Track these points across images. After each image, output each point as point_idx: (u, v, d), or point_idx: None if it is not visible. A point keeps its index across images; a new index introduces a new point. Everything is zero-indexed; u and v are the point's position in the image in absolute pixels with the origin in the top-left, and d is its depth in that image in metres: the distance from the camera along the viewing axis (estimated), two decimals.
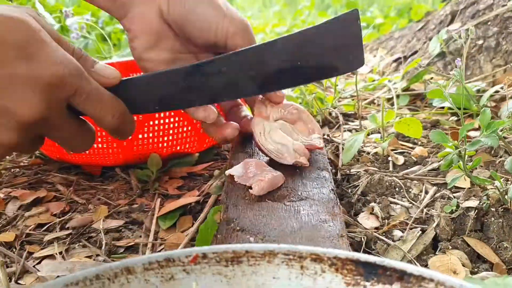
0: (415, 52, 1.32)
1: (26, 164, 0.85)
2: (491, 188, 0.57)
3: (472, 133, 0.79)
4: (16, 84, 0.41)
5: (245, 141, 0.71)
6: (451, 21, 1.27)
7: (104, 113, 0.48)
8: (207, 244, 0.46)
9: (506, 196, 0.54)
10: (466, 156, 0.55)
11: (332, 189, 0.55)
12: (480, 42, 1.10)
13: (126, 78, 0.51)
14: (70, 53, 0.46)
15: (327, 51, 0.55)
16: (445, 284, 0.30)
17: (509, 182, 0.61)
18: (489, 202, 0.56)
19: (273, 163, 0.59)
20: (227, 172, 0.58)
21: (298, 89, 0.98)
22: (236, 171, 0.57)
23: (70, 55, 0.45)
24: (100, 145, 0.73)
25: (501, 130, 0.50)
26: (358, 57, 0.56)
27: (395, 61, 1.36)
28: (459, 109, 0.58)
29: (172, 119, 0.74)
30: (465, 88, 0.53)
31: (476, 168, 0.66)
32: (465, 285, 0.29)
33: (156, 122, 0.73)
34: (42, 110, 0.42)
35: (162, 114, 0.73)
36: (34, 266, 0.54)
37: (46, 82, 0.42)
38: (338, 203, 0.53)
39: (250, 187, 0.54)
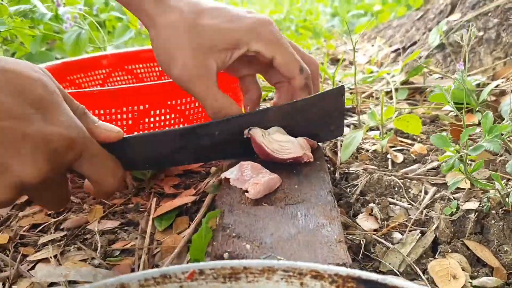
0: (414, 43, 1.30)
1: None
2: (492, 190, 0.56)
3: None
4: (26, 143, 0.40)
5: None
6: (451, 11, 1.25)
7: (106, 176, 0.48)
8: (201, 253, 0.45)
9: (507, 199, 0.53)
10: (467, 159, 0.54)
11: (330, 191, 0.55)
12: (481, 33, 1.09)
13: (125, 136, 0.53)
14: (74, 111, 0.47)
15: (312, 121, 0.61)
16: None
17: (510, 185, 0.60)
18: (489, 204, 0.55)
19: (268, 165, 0.58)
20: (223, 175, 0.57)
21: None
22: (231, 173, 0.56)
23: (75, 116, 0.45)
24: None
25: (503, 134, 0.49)
26: (339, 128, 0.63)
27: (393, 52, 1.35)
28: (462, 104, 0.57)
29: (168, 116, 0.72)
30: (466, 88, 0.52)
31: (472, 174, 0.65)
32: None
33: (152, 119, 0.72)
34: (46, 173, 0.41)
35: (157, 111, 0.71)
36: (28, 271, 0.53)
37: (56, 145, 0.41)
38: (336, 206, 0.52)
39: (246, 191, 0.53)
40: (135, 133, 0.55)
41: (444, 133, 0.81)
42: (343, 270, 0.32)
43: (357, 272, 0.31)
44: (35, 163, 0.40)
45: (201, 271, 0.33)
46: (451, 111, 0.88)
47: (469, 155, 0.48)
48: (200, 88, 0.57)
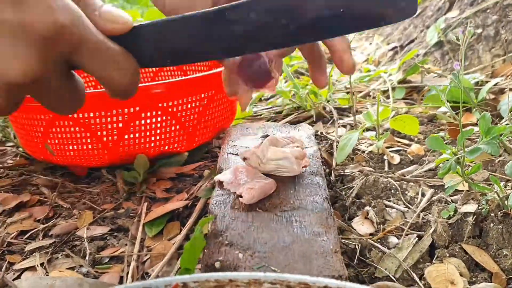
0: (412, 41, 1.29)
1: (11, 164, 0.83)
2: (491, 193, 0.55)
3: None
4: (3, 35, 0.33)
5: (236, 140, 0.68)
6: (449, 8, 1.23)
7: (113, 73, 0.40)
8: (193, 263, 0.44)
9: (506, 202, 0.52)
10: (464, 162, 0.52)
11: (326, 197, 0.53)
12: (479, 31, 1.07)
13: (136, 25, 0.43)
14: None
15: None
16: None
17: (509, 186, 0.59)
18: (488, 207, 0.54)
19: None
20: (216, 178, 0.56)
21: (291, 82, 0.95)
22: (225, 177, 0.55)
23: None
24: (85, 146, 0.70)
25: (501, 135, 0.47)
26: (411, 4, 0.47)
27: (391, 50, 1.33)
28: (458, 107, 0.56)
29: (159, 118, 0.71)
30: (463, 87, 0.50)
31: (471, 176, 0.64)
32: None
33: (143, 122, 0.70)
34: (37, 69, 0.35)
35: (148, 113, 0.70)
36: (14, 279, 0.52)
37: (42, 33, 0.34)
38: (332, 214, 0.50)
39: (240, 195, 0.51)
40: (147, 22, 0.46)
41: (442, 133, 0.79)
42: (333, 282, 0.30)
43: (347, 285, 0.30)
44: (20, 57, 0.34)
45: (185, 284, 0.31)
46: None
47: (467, 158, 0.47)
48: None
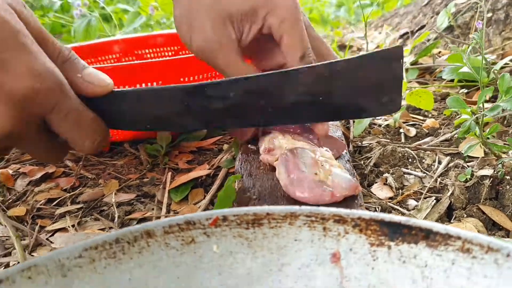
0: (422, 27, 1.30)
1: None
2: (506, 157, 0.56)
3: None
4: None
5: None
6: None
7: (82, 138, 0.42)
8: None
9: None
10: (482, 124, 0.54)
11: (348, 160, 0.55)
12: (489, 15, 1.08)
13: (118, 90, 0.45)
14: (55, 55, 0.41)
15: (357, 90, 0.47)
16: (472, 242, 0.29)
17: None
18: (504, 170, 0.56)
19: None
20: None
21: None
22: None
23: (53, 61, 0.40)
24: None
25: None
26: (395, 101, 0.48)
27: (401, 36, 1.35)
28: (473, 81, 0.57)
29: None
30: (482, 54, 0.52)
31: (488, 138, 0.65)
32: (494, 242, 0.28)
33: None
34: (13, 126, 0.37)
35: None
36: (47, 239, 0.54)
37: (20, 97, 0.37)
38: (355, 174, 0.52)
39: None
40: (130, 88, 0.47)
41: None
42: (366, 214, 0.32)
43: (380, 215, 0.32)
44: None
45: (225, 217, 0.33)
46: (462, 87, 0.88)
47: (486, 116, 0.48)
48: (222, 60, 0.52)
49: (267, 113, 0.48)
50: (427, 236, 0.30)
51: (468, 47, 0.51)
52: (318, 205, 0.43)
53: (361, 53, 1.01)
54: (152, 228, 0.33)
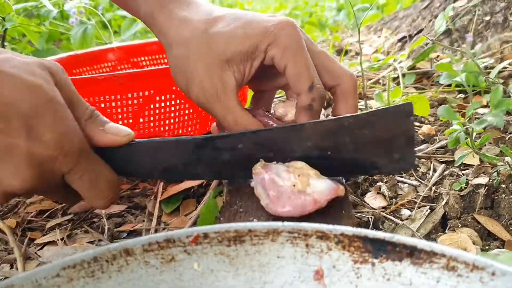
0: (421, 31, 1.29)
1: None
2: (502, 164, 0.56)
3: (481, 110, 0.77)
4: (11, 155, 0.39)
5: None
6: None
7: (96, 197, 0.45)
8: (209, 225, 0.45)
9: None
10: (475, 133, 0.53)
11: None
12: (487, 18, 1.07)
13: (135, 141, 0.48)
14: (81, 113, 0.44)
15: (366, 146, 0.46)
16: (458, 259, 0.28)
17: None
18: (499, 178, 0.55)
19: None
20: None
21: None
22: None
23: (78, 119, 0.43)
24: None
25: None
26: (407, 158, 0.46)
27: (400, 40, 1.34)
28: (468, 86, 0.56)
29: (173, 102, 0.72)
30: (475, 63, 0.51)
31: (485, 145, 0.64)
32: (479, 260, 0.27)
33: (157, 105, 0.71)
34: (33, 184, 0.40)
35: (163, 97, 0.71)
36: (35, 252, 0.53)
37: (41, 161, 0.40)
38: (344, 183, 0.51)
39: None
40: (145, 139, 0.48)
41: None
42: (349, 230, 0.31)
43: (363, 231, 0.31)
44: (19, 175, 0.40)
45: (206, 234, 0.32)
46: (459, 92, 0.87)
47: (474, 128, 0.48)
48: (219, 110, 0.50)
49: None
50: (412, 253, 0.30)
51: (461, 57, 0.50)
52: (303, 216, 0.42)
53: (358, 58, 1.00)
54: (131, 246, 0.32)
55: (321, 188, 0.42)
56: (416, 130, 0.76)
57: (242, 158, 0.48)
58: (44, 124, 0.40)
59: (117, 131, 0.46)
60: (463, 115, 0.76)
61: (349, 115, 0.47)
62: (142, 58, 1.05)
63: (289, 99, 0.56)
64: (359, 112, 0.48)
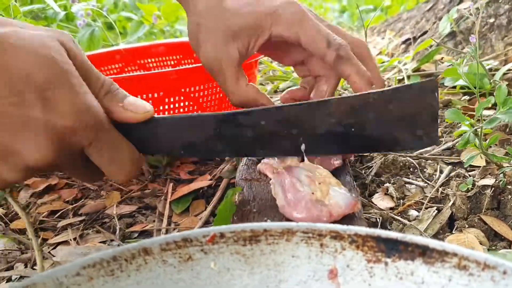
0: (425, 33, 1.30)
1: None
2: (508, 166, 0.56)
3: (486, 112, 0.77)
4: (29, 128, 0.38)
5: None
6: (461, 0, 1.24)
7: (117, 170, 0.44)
8: (225, 224, 0.46)
9: None
10: (482, 134, 0.54)
11: (348, 172, 0.55)
12: (491, 20, 1.08)
13: (156, 116, 0.47)
14: (98, 88, 0.43)
15: (390, 122, 0.47)
16: (469, 258, 0.29)
17: None
18: (505, 179, 0.55)
19: None
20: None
21: None
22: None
23: (96, 94, 0.42)
24: None
25: None
26: (431, 134, 0.47)
27: (404, 42, 1.35)
28: (475, 87, 0.57)
29: (182, 104, 0.73)
30: (480, 64, 0.52)
31: (490, 147, 0.65)
32: (491, 259, 0.28)
33: (166, 107, 0.72)
34: (53, 157, 0.40)
35: (172, 99, 0.72)
36: (49, 252, 0.54)
37: (61, 132, 0.39)
38: (355, 186, 0.52)
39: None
40: (165, 115, 0.48)
41: None
42: (363, 230, 0.32)
43: (376, 231, 0.32)
44: (39, 149, 0.39)
45: (222, 234, 0.33)
46: (464, 94, 0.88)
47: (484, 128, 0.48)
48: (222, 79, 0.54)
49: (298, 143, 0.48)
50: (424, 252, 0.30)
51: (463, 60, 0.51)
52: None
53: None
54: (149, 246, 0.33)
55: (339, 201, 0.43)
56: None
57: (264, 135, 0.48)
58: (60, 97, 0.39)
59: (136, 108, 0.45)
60: (470, 117, 0.76)
61: (374, 91, 0.47)
62: (149, 60, 1.06)
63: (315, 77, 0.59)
64: (383, 88, 0.48)
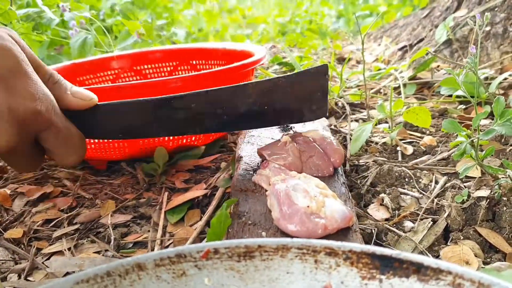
0: (421, 40, 1.31)
1: None
2: (503, 177, 0.56)
3: (481, 121, 0.78)
4: None
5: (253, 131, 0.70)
6: (458, 8, 1.25)
7: (69, 153, 0.48)
8: (219, 238, 0.45)
9: None
10: (478, 145, 0.54)
11: (344, 182, 0.55)
12: (488, 28, 1.09)
13: (97, 104, 0.52)
14: (46, 79, 0.47)
15: (293, 99, 0.58)
16: (464, 277, 0.29)
17: None
18: (500, 191, 0.55)
19: None
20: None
21: None
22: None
23: (46, 86, 0.45)
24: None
25: None
26: (322, 108, 0.59)
27: (400, 49, 1.35)
28: (472, 97, 0.57)
29: None
30: (477, 76, 0.52)
31: (486, 158, 0.65)
32: (485, 278, 0.28)
33: None
34: (14, 142, 0.42)
35: None
36: (43, 263, 0.54)
37: (22, 116, 0.42)
38: (350, 197, 0.52)
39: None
40: (107, 102, 0.53)
41: None
42: (357, 246, 0.32)
43: (371, 248, 0.32)
44: (3, 133, 0.41)
45: (216, 250, 0.33)
46: (460, 103, 0.88)
47: (481, 139, 0.48)
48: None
49: (223, 120, 0.57)
50: (418, 270, 0.30)
51: (462, 71, 0.51)
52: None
53: (359, 66, 1.01)
54: (143, 261, 0.33)
55: (334, 215, 0.43)
56: (418, 141, 0.76)
57: (194, 116, 0.56)
58: (21, 84, 0.42)
59: (82, 95, 0.50)
60: (466, 127, 0.76)
61: (280, 75, 0.58)
62: (145, 66, 1.06)
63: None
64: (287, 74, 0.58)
